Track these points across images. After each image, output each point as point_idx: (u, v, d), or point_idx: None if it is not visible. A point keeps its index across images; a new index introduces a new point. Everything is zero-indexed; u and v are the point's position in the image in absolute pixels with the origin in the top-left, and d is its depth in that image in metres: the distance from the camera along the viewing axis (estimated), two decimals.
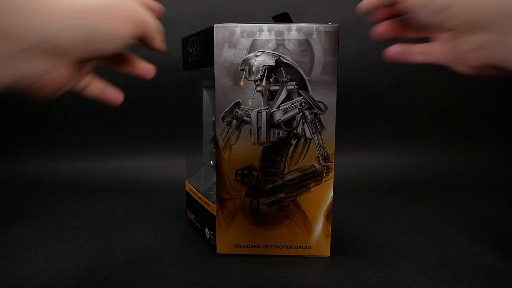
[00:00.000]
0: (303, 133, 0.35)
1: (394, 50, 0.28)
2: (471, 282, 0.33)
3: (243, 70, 0.35)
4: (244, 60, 0.34)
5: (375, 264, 0.36)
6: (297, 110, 0.35)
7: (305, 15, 0.71)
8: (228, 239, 0.37)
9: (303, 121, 0.35)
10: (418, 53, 0.27)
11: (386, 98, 0.73)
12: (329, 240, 0.37)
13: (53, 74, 0.18)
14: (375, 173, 0.69)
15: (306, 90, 0.35)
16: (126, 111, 0.71)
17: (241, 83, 0.35)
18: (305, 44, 0.34)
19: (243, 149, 0.36)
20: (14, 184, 0.63)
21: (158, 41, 0.24)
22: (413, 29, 0.27)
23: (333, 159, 0.36)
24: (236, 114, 0.35)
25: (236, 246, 0.37)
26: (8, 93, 0.18)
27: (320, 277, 0.33)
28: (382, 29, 0.28)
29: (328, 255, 0.37)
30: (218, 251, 0.38)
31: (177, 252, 0.38)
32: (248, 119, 0.35)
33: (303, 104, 0.35)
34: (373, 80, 0.72)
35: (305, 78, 0.35)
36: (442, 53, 0.25)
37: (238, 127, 0.36)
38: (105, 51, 0.20)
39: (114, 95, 0.26)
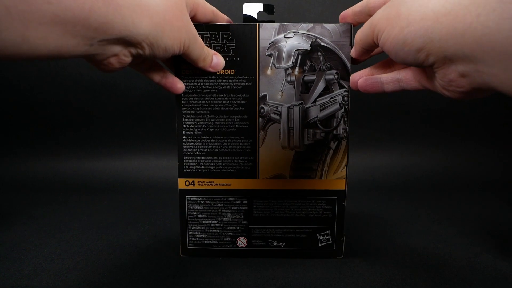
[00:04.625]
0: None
1: (366, 83, 0.28)
2: (471, 282, 0.33)
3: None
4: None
5: (375, 264, 0.36)
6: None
7: (305, 15, 0.71)
8: None
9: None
10: (390, 82, 0.28)
11: (386, 98, 0.73)
12: None
13: (120, 57, 0.24)
14: (375, 173, 0.69)
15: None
16: (126, 111, 0.71)
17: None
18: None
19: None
20: (14, 184, 0.63)
21: (202, 63, 0.29)
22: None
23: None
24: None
25: None
26: (86, 58, 0.23)
27: (320, 277, 0.33)
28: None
29: None
30: None
31: (177, 252, 0.38)
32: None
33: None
34: None
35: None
36: (421, 78, 0.27)
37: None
38: (160, 56, 0.26)
39: (173, 83, 0.32)
